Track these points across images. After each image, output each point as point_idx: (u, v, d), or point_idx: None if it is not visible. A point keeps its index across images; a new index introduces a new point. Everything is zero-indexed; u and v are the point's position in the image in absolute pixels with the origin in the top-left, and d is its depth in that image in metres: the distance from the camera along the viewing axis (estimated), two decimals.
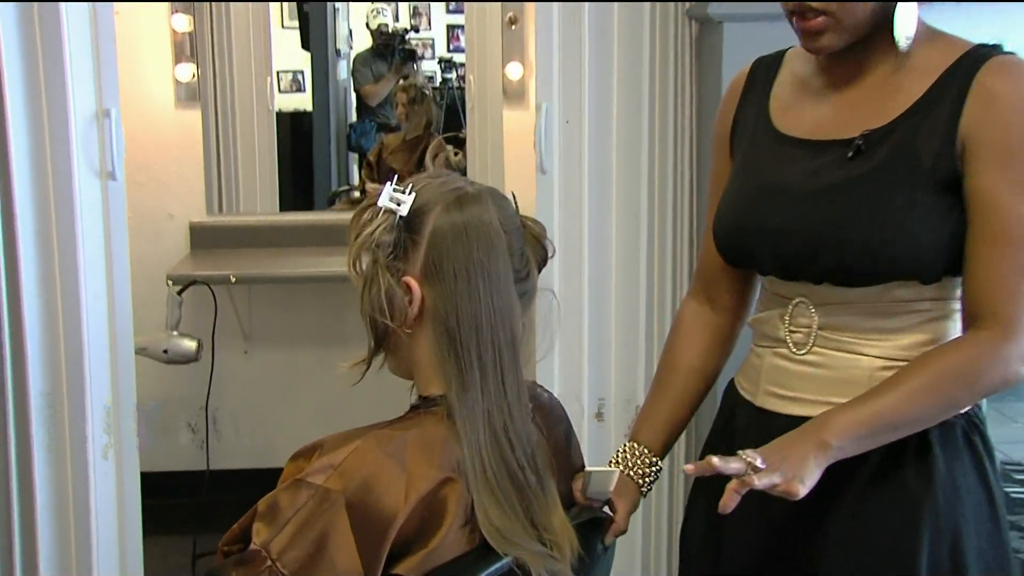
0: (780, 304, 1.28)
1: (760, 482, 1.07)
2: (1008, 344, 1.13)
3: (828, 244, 1.18)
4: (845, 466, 1.15)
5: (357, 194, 3.79)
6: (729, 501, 1.06)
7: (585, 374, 2.29)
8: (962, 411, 1.22)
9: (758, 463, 1.08)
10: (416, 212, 1.08)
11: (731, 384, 1.40)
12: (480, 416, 1.07)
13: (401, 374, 1.16)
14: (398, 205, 1.08)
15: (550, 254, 1.18)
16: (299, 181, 3.70)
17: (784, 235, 1.21)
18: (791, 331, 1.26)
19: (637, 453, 1.35)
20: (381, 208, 1.08)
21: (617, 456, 1.35)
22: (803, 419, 1.18)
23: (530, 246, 1.15)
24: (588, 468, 1.21)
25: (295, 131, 3.65)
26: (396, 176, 1.10)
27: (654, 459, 1.35)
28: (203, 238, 3.28)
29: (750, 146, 1.31)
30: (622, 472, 1.33)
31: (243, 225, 3.34)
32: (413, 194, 1.08)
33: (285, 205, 3.48)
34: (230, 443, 3.36)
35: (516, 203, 1.15)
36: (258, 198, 3.44)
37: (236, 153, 3.36)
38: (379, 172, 3.63)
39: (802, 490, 1.08)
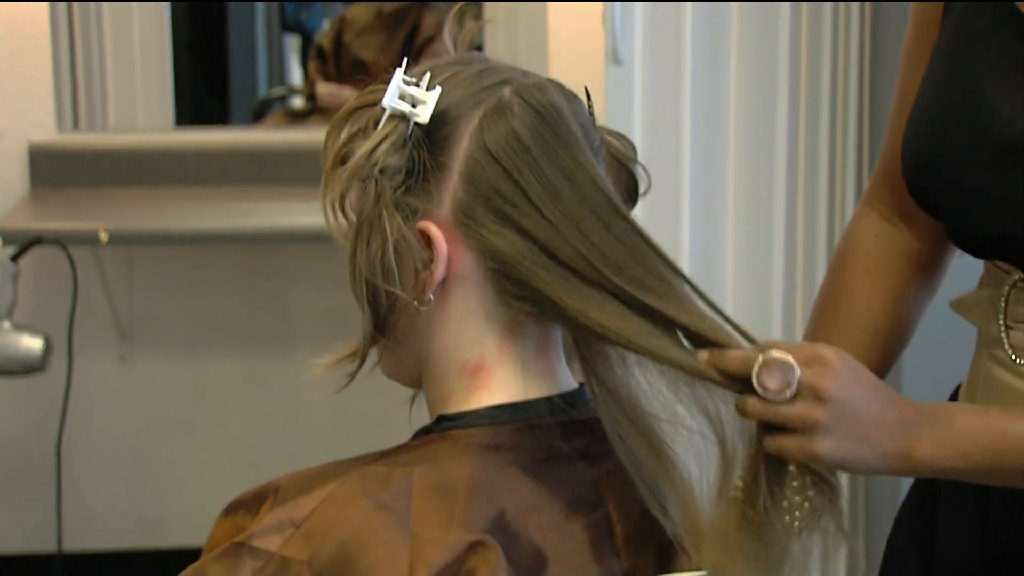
0: (996, 281, 1.33)
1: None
2: None
3: None
4: None
5: (301, 101, 3.81)
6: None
7: None
8: None
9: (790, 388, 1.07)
10: (443, 118, 1.10)
11: (955, 395, 1.43)
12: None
13: (404, 379, 1.20)
14: (413, 106, 1.09)
15: (642, 189, 1.20)
16: (205, 81, 3.72)
17: (978, 199, 1.26)
18: (1008, 326, 1.31)
19: None
20: (386, 112, 1.09)
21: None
22: None
23: (612, 174, 1.17)
24: None
25: (197, 2, 3.68)
26: (404, 61, 1.11)
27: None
28: (52, 170, 3.29)
29: (967, 16, 1.32)
30: None
31: (116, 149, 3.34)
32: (436, 89, 1.10)
33: (184, 118, 3.51)
34: (96, 509, 3.35)
35: (591, 106, 1.16)
36: (139, 106, 3.46)
37: (103, 36, 3.38)
38: (339, 65, 3.64)
39: (819, 461, 1.10)
